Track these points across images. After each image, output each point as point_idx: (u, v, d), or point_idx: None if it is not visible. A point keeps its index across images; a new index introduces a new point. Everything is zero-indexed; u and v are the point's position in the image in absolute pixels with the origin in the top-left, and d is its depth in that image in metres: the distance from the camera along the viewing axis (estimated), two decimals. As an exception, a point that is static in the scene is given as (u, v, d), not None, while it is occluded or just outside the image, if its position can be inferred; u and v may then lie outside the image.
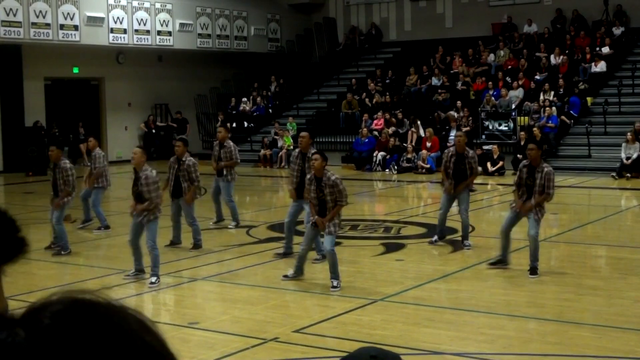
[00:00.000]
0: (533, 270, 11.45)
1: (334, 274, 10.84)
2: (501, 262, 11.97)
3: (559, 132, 26.60)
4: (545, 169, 11.44)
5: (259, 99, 33.42)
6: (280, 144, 29.83)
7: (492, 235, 15.25)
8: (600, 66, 28.76)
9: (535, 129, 25.88)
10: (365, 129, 28.56)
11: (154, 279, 11.24)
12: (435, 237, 13.85)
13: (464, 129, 27.41)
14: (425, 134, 27.50)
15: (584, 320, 9.24)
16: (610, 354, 8.17)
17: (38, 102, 29.72)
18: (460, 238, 13.85)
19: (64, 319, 0.95)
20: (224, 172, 15.83)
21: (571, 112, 27.13)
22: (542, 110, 26.99)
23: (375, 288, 10.93)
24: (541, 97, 27.75)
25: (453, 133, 27.53)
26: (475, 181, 24.55)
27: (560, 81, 28.23)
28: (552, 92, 27.86)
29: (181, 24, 31.95)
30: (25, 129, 28.61)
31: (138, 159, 11.70)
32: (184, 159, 13.61)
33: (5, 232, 1.23)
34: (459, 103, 28.67)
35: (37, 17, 27.24)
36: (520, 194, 11.56)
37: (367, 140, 28.25)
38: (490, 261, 12.16)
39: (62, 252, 13.49)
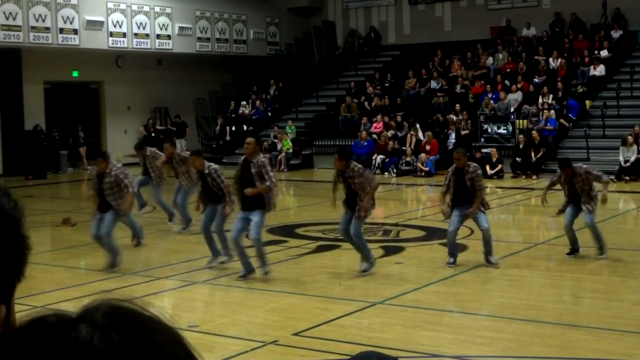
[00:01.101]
0: (601, 250, 12.81)
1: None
2: (574, 251, 12.96)
3: (558, 135, 26.63)
4: (582, 170, 12.58)
5: (258, 102, 33.44)
6: (279, 147, 29.86)
7: (492, 238, 15.26)
8: (599, 69, 28.81)
9: (534, 132, 25.93)
10: (364, 132, 28.60)
11: (224, 258, 12.35)
12: (451, 260, 12.36)
13: (463, 133, 27.50)
14: (424, 137, 27.54)
15: (583, 323, 9.26)
16: (608, 356, 8.19)
17: (38, 105, 29.75)
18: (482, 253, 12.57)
19: (117, 319, 1.04)
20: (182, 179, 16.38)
21: (570, 115, 27.17)
22: (540, 113, 27.02)
23: (374, 291, 10.95)
24: (540, 101, 27.79)
25: (452, 136, 27.60)
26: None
27: (559, 84, 28.27)
28: (551, 96, 27.90)
29: (180, 28, 31.99)
30: (24, 133, 28.63)
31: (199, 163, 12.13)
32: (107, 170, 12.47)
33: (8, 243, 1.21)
34: (457, 106, 28.71)
35: (37, 20, 27.28)
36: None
37: (366, 143, 28.29)
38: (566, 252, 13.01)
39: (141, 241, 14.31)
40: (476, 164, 12.74)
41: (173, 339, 1.07)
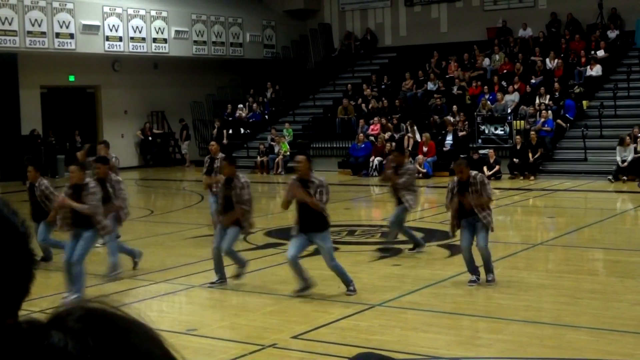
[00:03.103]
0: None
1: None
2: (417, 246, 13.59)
3: (555, 135, 26.64)
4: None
5: (255, 105, 33.44)
6: (276, 150, 29.85)
7: (489, 239, 15.25)
8: (596, 70, 28.82)
9: (531, 132, 25.93)
10: (361, 135, 28.59)
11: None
12: (473, 277, 11.34)
13: (460, 134, 27.50)
14: (421, 138, 27.53)
15: (582, 324, 9.25)
16: (607, 357, 8.19)
17: (34, 110, 29.72)
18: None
19: (92, 323, 1.02)
20: None
21: (567, 115, 27.17)
22: (537, 114, 27.03)
23: (372, 293, 10.94)
24: (537, 101, 27.80)
25: (449, 137, 27.60)
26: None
27: (556, 85, 28.27)
28: (548, 96, 27.91)
29: (177, 31, 31.97)
30: (21, 138, 28.62)
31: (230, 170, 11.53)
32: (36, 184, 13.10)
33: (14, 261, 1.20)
34: (454, 107, 28.71)
35: (33, 25, 27.25)
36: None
37: (363, 145, 28.28)
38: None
39: None
40: (481, 173, 11.83)
41: (150, 339, 1.05)
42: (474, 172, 11.48)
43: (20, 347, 0.99)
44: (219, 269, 11.55)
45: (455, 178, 11.47)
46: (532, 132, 25.94)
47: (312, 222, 10.65)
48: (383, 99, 31.09)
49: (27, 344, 0.99)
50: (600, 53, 29.61)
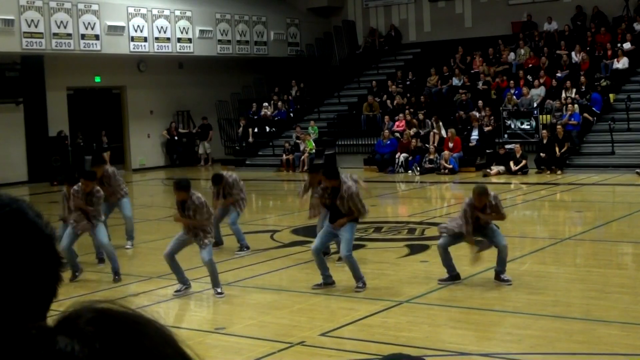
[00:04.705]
0: None
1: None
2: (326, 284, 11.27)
3: (582, 129, 26.47)
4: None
5: (280, 103, 33.49)
6: (302, 148, 29.87)
7: (516, 234, 15.21)
8: (622, 62, 28.61)
9: (558, 127, 25.78)
10: (387, 131, 28.56)
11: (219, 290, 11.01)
12: (446, 276, 11.25)
13: (486, 129, 27.39)
14: (447, 134, 27.46)
15: (611, 318, 9.19)
16: (638, 351, 8.13)
17: (61, 111, 29.93)
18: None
19: (102, 326, 1.01)
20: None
21: (593, 109, 26.99)
22: (564, 108, 26.87)
23: (400, 290, 10.92)
24: (563, 95, 27.63)
25: (475, 133, 27.50)
26: (498, 180, 24.39)
27: (582, 78, 28.08)
28: (574, 90, 27.73)
29: (201, 31, 32.08)
30: (49, 139, 28.82)
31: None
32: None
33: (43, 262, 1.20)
34: (480, 103, 28.60)
35: (59, 27, 27.44)
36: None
37: (389, 142, 28.24)
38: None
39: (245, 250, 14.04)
40: (494, 193, 11.32)
41: (162, 339, 1.04)
42: (491, 195, 11.04)
43: (26, 355, 0.98)
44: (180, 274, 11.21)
45: (468, 200, 11.05)
46: (559, 126, 25.79)
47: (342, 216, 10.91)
48: (408, 94, 31.02)
49: (33, 351, 0.98)
50: (627, 46, 29.37)
